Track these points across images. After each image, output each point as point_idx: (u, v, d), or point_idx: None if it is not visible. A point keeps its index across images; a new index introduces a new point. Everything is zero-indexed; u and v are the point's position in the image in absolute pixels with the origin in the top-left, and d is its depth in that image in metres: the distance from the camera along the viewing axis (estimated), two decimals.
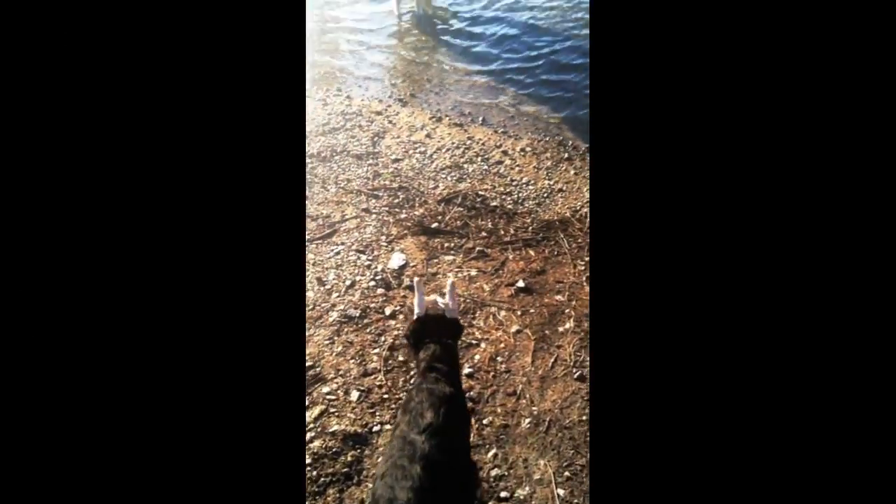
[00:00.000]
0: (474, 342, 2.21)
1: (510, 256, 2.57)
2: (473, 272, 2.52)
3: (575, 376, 2.04)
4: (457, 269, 2.54)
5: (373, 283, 2.47)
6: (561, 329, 2.21)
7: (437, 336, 1.44)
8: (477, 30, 4.36)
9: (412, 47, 4.27)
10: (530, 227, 2.70)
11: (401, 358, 2.15)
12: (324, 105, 3.71)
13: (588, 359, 2.08)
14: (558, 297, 2.34)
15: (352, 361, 2.15)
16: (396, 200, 2.91)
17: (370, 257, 2.61)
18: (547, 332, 2.20)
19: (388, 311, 2.34)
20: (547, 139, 3.34)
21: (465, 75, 3.93)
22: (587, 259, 2.52)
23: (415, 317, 1.52)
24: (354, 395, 2.03)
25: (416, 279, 1.58)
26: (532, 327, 2.22)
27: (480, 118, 3.53)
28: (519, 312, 2.30)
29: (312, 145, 3.31)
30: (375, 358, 2.15)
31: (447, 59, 4.09)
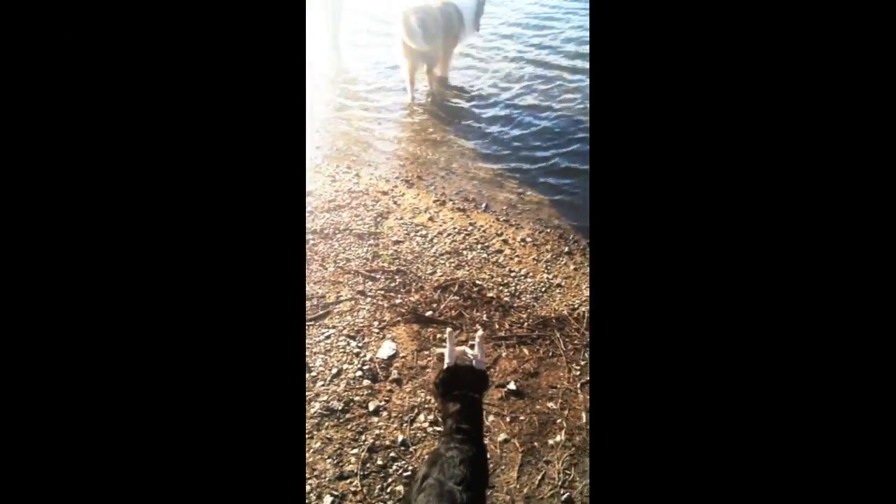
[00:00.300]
0: None
1: (503, 354, 2.49)
2: None
3: (562, 498, 1.92)
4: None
5: (360, 372, 2.39)
6: (551, 442, 2.10)
7: (464, 388, 1.48)
8: (491, 129, 4.43)
9: (424, 139, 4.35)
10: (526, 323, 2.64)
11: (379, 462, 2.04)
12: (332, 181, 3.76)
13: (577, 479, 1.96)
14: (550, 405, 2.25)
15: (328, 461, 2.04)
16: (393, 284, 2.87)
17: (360, 344, 2.54)
18: (536, 443, 2.09)
19: (371, 406, 2.25)
20: (548, 231, 3.33)
21: (473, 168, 3.97)
22: (583, 363, 2.44)
23: (444, 366, 1.57)
24: (327, 500, 1.91)
25: (448, 331, 1.65)
26: (521, 437, 2.12)
27: (483, 205, 3.55)
28: (508, 419, 2.20)
29: (316, 221, 3.32)
30: (353, 459, 2.04)
31: (457, 154, 4.14)
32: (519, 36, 5.78)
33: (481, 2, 4.87)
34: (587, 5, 6.28)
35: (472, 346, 1.64)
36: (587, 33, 5.67)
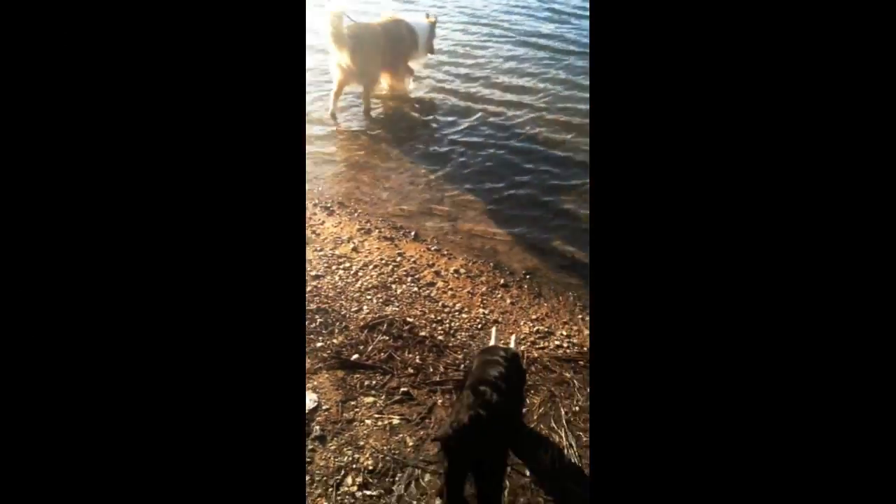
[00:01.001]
0: None
1: (438, 401, 2.26)
2: (396, 420, 2.18)
3: None
4: (376, 416, 2.19)
5: None
6: None
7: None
8: (429, 153, 4.19)
9: (349, 162, 4.03)
10: (462, 365, 2.42)
11: None
12: None
13: None
14: None
15: None
16: (313, 325, 2.57)
17: None
18: None
19: None
20: (482, 261, 3.15)
21: (402, 194, 3.72)
22: (524, 409, 2.25)
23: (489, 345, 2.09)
24: None
25: (493, 329, 2.25)
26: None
27: (413, 233, 3.32)
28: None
29: None
30: None
31: (383, 179, 3.86)
32: (446, 64, 5.61)
33: (434, 24, 4.74)
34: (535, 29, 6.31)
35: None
36: (523, 64, 5.62)
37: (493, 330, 2.24)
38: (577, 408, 2.22)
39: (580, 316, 2.75)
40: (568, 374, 2.36)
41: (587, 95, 4.91)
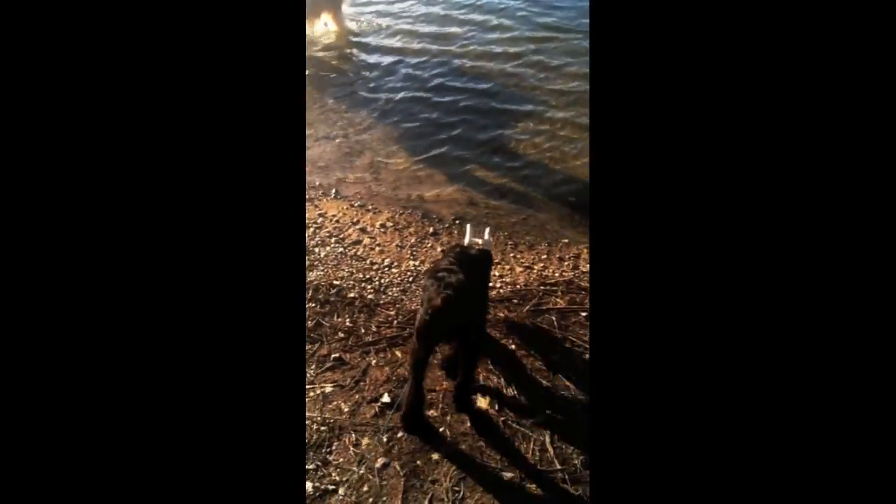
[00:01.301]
0: (331, 487, 1.74)
1: (372, 361, 2.15)
2: (329, 388, 2.07)
3: None
4: (308, 387, 2.07)
5: None
6: (435, 456, 1.81)
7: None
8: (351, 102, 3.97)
9: None
10: (395, 321, 2.32)
11: None
12: None
13: (468, 495, 1.69)
14: (431, 412, 1.95)
15: None
16: None
17: None
18: (419, 462, 1.79)
19: None
20: (409, 212, 3.01)
21: (318, 150, 3.51)
22: None
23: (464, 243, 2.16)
24: None
25: (468, 226, 2.24)
26: (401, 457, 1.81)
27: (333, 191, 3.14)
28: (385, 438, 1.87)
29: None
30: None
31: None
32: (363, 15, 5.30)
33: None
34: None
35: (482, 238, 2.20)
36: (435, 7, 5.34)
37: (468, 227, 2.26)
38: (512, 346, 2.16)
39: (511, 255, 2.68)
40: (502, 314, 2.30)
41: (506, 36, 4.74)
